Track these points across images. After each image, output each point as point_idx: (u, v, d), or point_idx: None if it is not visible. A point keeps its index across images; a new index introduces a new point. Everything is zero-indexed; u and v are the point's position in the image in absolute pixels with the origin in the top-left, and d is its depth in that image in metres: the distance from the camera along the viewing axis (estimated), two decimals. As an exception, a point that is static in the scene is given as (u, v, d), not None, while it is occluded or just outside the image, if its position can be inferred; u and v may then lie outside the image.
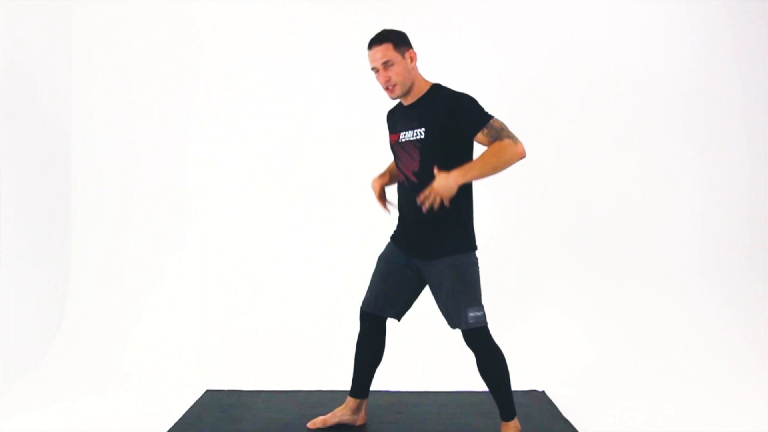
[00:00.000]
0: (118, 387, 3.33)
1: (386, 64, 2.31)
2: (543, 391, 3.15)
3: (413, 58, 2.33)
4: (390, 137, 2.48)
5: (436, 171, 2.18)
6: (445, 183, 2.14)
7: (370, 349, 2.60)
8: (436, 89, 2.35)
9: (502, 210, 4.00)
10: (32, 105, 3.78)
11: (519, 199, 4.09)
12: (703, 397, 3.19)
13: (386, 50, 2.30)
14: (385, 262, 2.53)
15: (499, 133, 2.19)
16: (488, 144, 2.20)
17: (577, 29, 4.13)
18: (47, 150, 3.93)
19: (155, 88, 4.10)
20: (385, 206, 2.54)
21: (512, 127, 2.24)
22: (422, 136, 2.29)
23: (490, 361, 2.33)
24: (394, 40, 2.31)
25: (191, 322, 3.86)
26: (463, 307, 2.28)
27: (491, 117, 2.23)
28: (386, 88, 2.34)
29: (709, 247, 4.15)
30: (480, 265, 2.37)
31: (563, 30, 4.12)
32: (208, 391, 3.13)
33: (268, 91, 4.10)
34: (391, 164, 2.60)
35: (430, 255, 2.35)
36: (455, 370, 3.28)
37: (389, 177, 2.59)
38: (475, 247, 2.37)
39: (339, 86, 4.08)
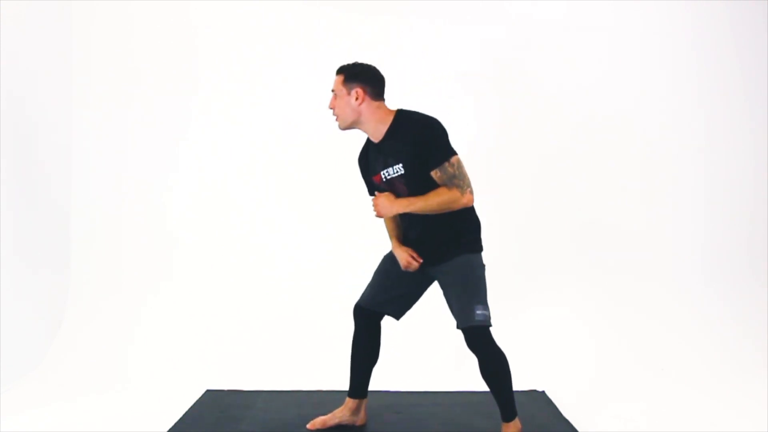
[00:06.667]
0: (118, 387, 3.33)
1: (334, 94, 2.39)
2: (543, 391, 3.15)
3: (359, 96, 2.34)
4: (372, 179, 2.46)
5: (378, 194, 2.37)
6: (388, 205, 2.32)
7: (366, 347, 2.59)
8: (400, 118, 2.35)
9: (503, 209, 3.98)
10: (32, 105, 3.78)
11: (519, 199, 4.09)
12: (703, 397, 3.19)
13: (338, 81, 2.38)
14: (391, 262, 2.53)
15: (451, 180, 2.26)
16: (439, 183, 2.27)
17: (578, 27, 4.12)
18: (47, 150, 3.92)
19: (155, 89, 4.08)
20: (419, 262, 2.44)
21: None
22: (402, 171, 2.32)
23: (493, 363, 2.33)
24: (346, 73, 2.38)
25: (191, 322, 3.86)
26: (470, 304, 2.30)
27: (449, 157, 2.26)
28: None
29: (711, 247, 4.15)
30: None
31: (564, 27, 4.11)
32: (208, 391, 3.13)
33: (267, 92, 4.09)
34: (387, 223, 2.54)
35: (440, 260, 2.38)
36: (455, 370, 3.28)
37: (398, 234, 2.50)
38: (481, 249, 2.40)
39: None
